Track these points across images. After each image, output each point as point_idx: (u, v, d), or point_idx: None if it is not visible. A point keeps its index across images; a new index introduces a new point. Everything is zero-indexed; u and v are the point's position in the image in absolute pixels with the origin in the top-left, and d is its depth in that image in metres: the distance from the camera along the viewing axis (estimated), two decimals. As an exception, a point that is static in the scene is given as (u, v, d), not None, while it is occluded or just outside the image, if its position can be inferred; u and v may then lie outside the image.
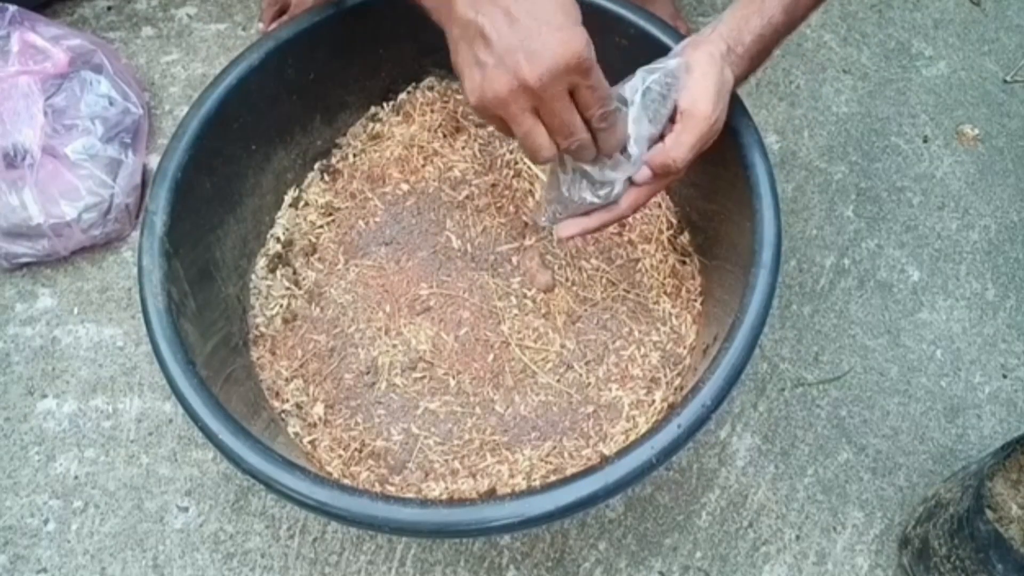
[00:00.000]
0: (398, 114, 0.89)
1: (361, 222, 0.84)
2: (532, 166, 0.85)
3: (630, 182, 0.63)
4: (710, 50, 0.62)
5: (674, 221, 0.83)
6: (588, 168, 0.61)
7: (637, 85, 0.61)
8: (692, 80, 0.61)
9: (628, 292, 0.80)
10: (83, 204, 0.86)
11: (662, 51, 0.75)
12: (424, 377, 0.77)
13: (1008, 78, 1.03)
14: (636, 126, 0.60)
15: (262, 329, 0.80)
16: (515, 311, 0.79)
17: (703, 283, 0.80)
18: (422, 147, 0.87)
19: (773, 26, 0.64)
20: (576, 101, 0.55)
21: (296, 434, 0.75)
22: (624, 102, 0.60)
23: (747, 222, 0.68)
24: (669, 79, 0.61)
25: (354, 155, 0.87)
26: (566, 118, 0.56)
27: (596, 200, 0.64)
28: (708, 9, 1.07)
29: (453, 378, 0.77)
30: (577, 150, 0.58)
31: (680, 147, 0.61)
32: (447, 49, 0.86)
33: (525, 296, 0.80)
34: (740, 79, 0.64)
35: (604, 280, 0.81)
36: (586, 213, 0.65)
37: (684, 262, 0.82)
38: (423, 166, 0.86)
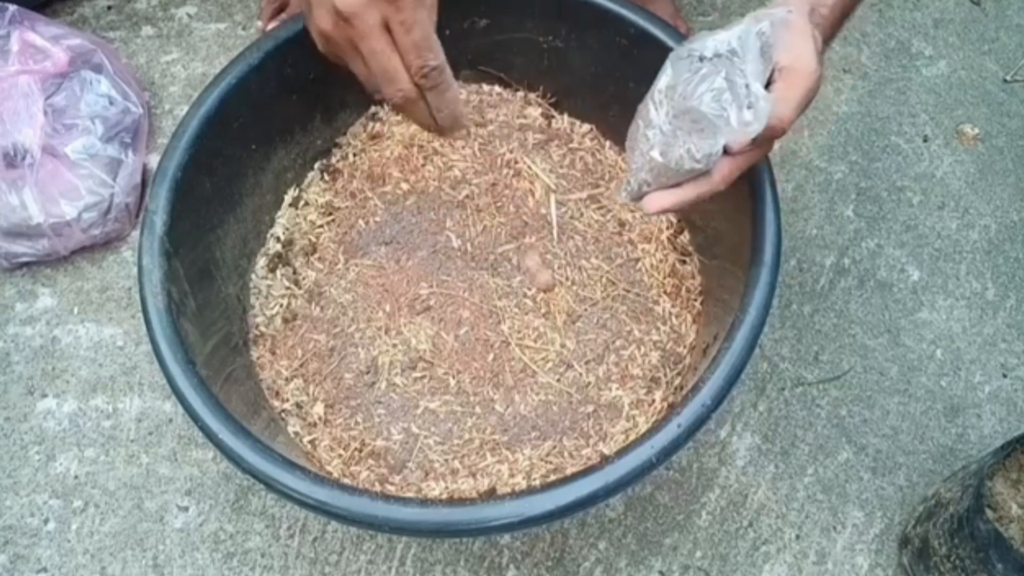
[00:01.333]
0: (398, 113, 0.89)
1: (361, 221, 0.84)
2: (532, 165, 0.85)
3: (724, 151, 0.57)
4: (798, 7, 0.57)
5: (674, 220, 0.83)
6: (710, 111, 0.55)
7: (749, 31, 0.56)
8: (790, 35, 0.56)
9: (628, 291, 0.80)
10: (83, 204, 0.86)
11: (662, 50, 0.75)
12: (424, 377, 0.77)
13: (1008, 77, 1.02)
14: (754, 79, 0.55)
15: (262, 329, 0.80)
16: (515, 310, 0.79)
17: (703, 282, 0.80)
18: (422, 146, 0.87)
19: None
20: (396, 45, 0.56)
21: (296, 433, 0.75)
22: (733, 53, 0.55)
23: (747, 221, 0.68)
24: (775, 30, 0.56)
25: (354, 154, 0.87)
26: (383, 62, 0.56)
27: (696, 165, 0.57)
28: (708, 9, 1.07)
29: (453, 378, 0.77)
30: (403, 104, 0.57)
31: (787, 104, 0.56)
32: (446, 49, 0.87)
33: (525, 295, 0.80)
34: (824, 45, 0.60)
35: (604, 279, 0.81)
36: (676, 185, 0.60)
37: (684, 261, 0.82)
38: (423, 165, 0.86)
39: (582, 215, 0.84)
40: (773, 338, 0.87)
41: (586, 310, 0.80)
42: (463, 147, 0.87)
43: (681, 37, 0.75)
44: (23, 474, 0.82)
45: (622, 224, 0.83)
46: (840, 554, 0.79)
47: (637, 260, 0.82)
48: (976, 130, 0.99)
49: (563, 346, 0.78)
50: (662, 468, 0.81)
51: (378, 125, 0.88)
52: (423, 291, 0.80)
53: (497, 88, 0.89)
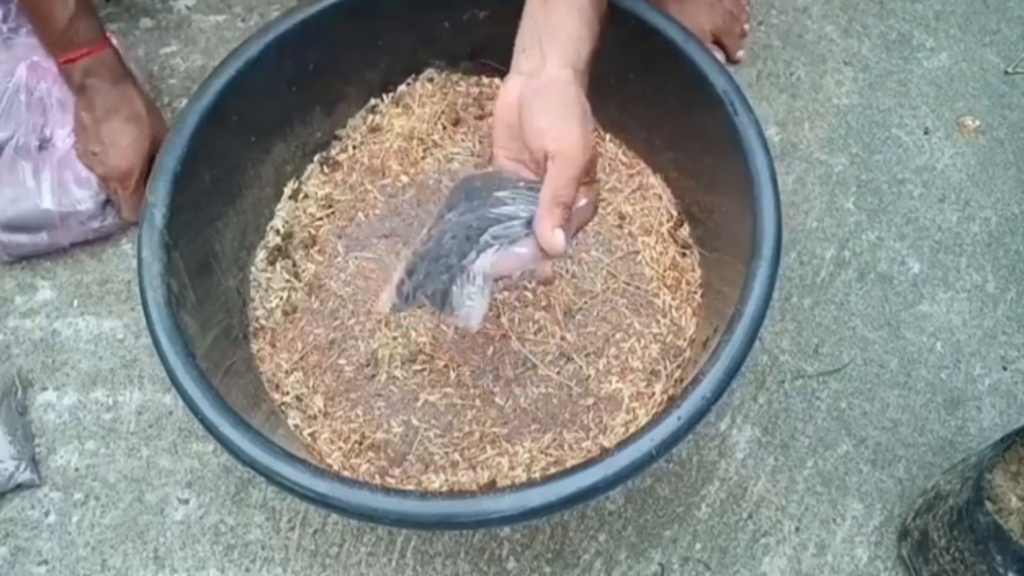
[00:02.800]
0: (397, 106, 0.88)
1: (361, 214, 0.84)
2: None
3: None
4: (560, 83, 0.57)
5: (674, 213, 0.83)
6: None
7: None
8: (557, 120, 0.56)
9: (628, 284, 0.80)
10: (92, 193, 0.86)
11: (663, 42, 0.75)
12: (424, 369, 0.77)
13: (1009, 69, 1.02)
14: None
15: (262, 321, 0.80)
16: (515, 303, 0.79)
17: (703, 275, 0.80)
18: (422, 139, 0.87)
19: (596, 34, 0.59)
20: None
21: (296, 426, 0.75)
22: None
23: (747, 214, 0.68)
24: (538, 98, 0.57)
25: (354, 147, 0.87)
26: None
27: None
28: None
29: (453, 370, 0.77)
30: None
31: (565, 184, 0.55)
32: (446, 41, 0.87)
33: (525, 288, 0.80)
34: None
35: (604, 272, 0.81)
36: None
37: (684, 254, 0.81)
38: (423, 158, 0.86)
39: (582, 208, 0.83)
40: (773, 331, 0.87)
41: (586, 303, 0.79)
42: (463, 140, 0.87)
43: (686, 33, 0.74)
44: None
45: (622, 217, 0.83)
46: (839, 546, 0.79)
47: (637, 253, 0.82)
48: (977, 122, 0.99)
49: (563, 339, 0.78)
50: (662, 460, 0.81)
51: (378, 118, 0.88)
52: (423, 284, 0.80)
53: (497, 80, 0.89)
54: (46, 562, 0.78)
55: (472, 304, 0.58)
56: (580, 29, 0.58)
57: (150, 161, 0.84)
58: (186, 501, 0.80)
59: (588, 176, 0.58)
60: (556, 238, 0.56)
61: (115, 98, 0.86)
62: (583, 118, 0.56)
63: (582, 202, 0.58)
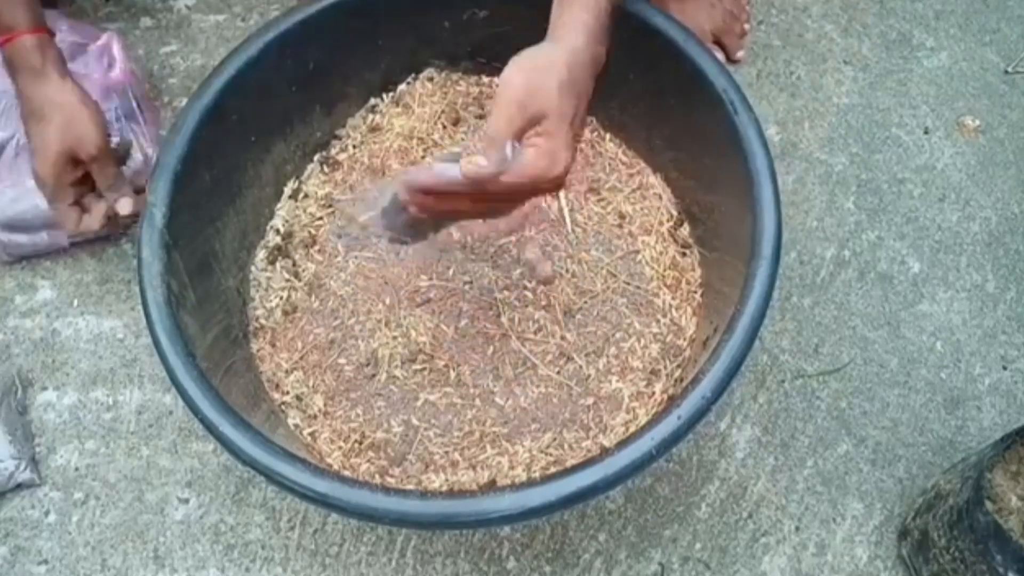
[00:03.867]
0: (397, 105, 0.88)
1: (361, 214, 0.84)
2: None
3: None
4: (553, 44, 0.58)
5: (674, 213, 0.83)
6: None
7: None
8: (519, 56, 0.57)
9: (628, 284, 0.80)
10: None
11: (664, 43, 0.75)
12: (424, 369, 0.77)
13: (1009, 69, 1.02)
14: None
15: (262, 321, 0.80)
16: (515, 303, 0.79)
17: (703, 275, 0.80)
18: (422, 138, 0.87)
19: None
20: None
21: (296, 426, 0.76)
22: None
23: (747, 214, 0.68)
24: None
25: (354, 146, 0.87)
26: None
27: None
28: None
29: (453, 370, 0.77)
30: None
31: (497, 120, 0.56)
32: (446, 41, 0.87)
33: (525, 288, 0.80)
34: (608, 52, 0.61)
35: (604, 272, 0.81)
36: None
37: (684, 254, 0.81)
38: (423, 157, 0.86)
39: (582, 207, 0.83)
40: (773, 330, 0.87)
41: (586, 302, 0.79)
42: (463, 139, 0.87)
43: (686, 33, 0.74)
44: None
45: (622, 216, 0.83)
46: (839, 546, 0.79)
47: (637, 252, 0.82)
48: (977, 122, 0.99)
49: (563, 338, 0.78)
50: (662, 460, 0.81)
51: (377, 117, 0.88)
52: (423, 283, 0.80)
53: (497, 80, 0.88)
54: (46, 562, 0.78)
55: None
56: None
57: (69, 167, 0.77)
58: (186, 501, 0.80)
59: (535, 127, 0.57)
60: (467, 163, 0.56)
61: (29, 95, 0.76)
62: (547, 66, 0.56)
63: (513, 147, 0.56)
